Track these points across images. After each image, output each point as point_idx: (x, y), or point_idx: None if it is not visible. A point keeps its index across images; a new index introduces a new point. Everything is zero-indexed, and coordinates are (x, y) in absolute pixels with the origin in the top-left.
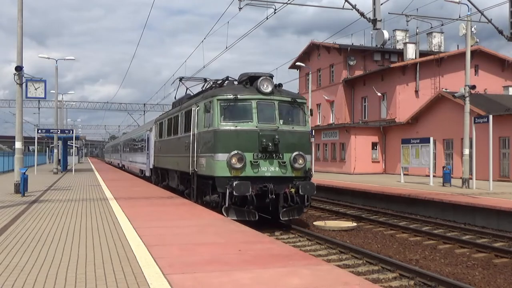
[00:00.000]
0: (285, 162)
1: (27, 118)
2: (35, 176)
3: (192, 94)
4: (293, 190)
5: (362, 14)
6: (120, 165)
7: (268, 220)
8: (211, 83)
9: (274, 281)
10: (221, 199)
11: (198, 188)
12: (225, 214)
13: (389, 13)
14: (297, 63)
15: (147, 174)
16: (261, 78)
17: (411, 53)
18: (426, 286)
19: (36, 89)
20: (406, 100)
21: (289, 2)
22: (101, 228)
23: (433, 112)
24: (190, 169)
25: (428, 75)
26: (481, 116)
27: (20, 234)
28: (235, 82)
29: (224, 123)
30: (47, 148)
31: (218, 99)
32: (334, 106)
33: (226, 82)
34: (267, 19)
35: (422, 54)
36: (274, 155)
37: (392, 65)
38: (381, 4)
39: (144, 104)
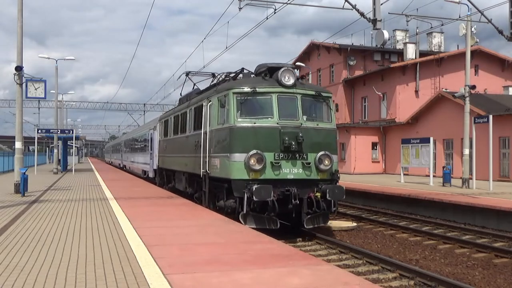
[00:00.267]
0: (309, 163)
1: (27, 118)
2: (35, 176)
3: (201, 89)
4: (318, 194)
5: (362, 14)
6: (121, 166)
7: (285, 227)
8: (223, 76)
9: (274, 281)
10: (238, 204)
11: (211, 192)
12: (242, 222)
13: (389, 13)
14: (297, 63)
15: (151, 175)
16: (282, 69)
17: (411, 53)
18: (426, 286)
19: (36, 89)
20: (406, 100)
21: (289, 2)
22: (101, 228)
23: (433, 112)
24: (201, 170)
25: (428, 75)
26: (481, 116)
27: (20, 234)
28: (252, 76)
29: (241, 119)
30: (47, 148)
31: (234, 93)
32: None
33: (240, 75)
34: (267, 19)
35: (422, 54)
36: (297, 155)
37: (392, 65)
38: (381, 4)
39: (144, 104)
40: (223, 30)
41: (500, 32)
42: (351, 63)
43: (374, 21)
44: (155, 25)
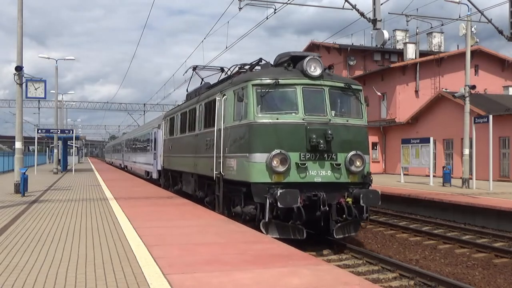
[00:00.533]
0: (339, 165)
1: (27, 118)
2: (35, 176)
3: (211, 84)
4: (349, 200)
5: (362, 14)
6: (122, 166)
7: (310, 235)
8: (237, 68)
9: (274, 281)
10: (258, 211)
11: (225, 196)
12: (264, 231)
13: (389, 13)
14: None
15: (154, 176)
16: (307, 58)
17: (411, 53)
18: (426, 286)
19: (36, 89)
20: (406, 100)
21: (289, 2)
22: (101, 228)
23: (433, 112)
24: (214, 172)
25: (428, 75)
26: (481, 116)
27: (20, 234)
28: (271, 67)
29: (261, 115)
30: (47, 148)
31: (253, 85)
32: None
33: (257, 66)
34: (267, 19)
35: (422, 54)
36: (325, 155)
37: (392, 65)
38: (381, 4)
39: (144, 104)
40: (223, 30)
41: (500, 32)
42: (351, 63)
43: (374, 21)
44: (155, 25)
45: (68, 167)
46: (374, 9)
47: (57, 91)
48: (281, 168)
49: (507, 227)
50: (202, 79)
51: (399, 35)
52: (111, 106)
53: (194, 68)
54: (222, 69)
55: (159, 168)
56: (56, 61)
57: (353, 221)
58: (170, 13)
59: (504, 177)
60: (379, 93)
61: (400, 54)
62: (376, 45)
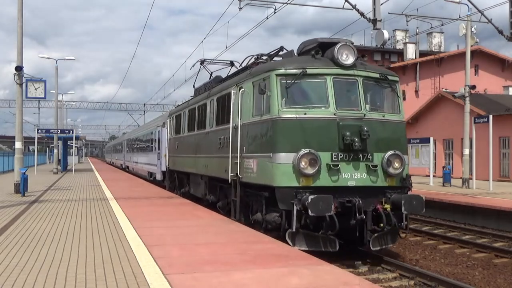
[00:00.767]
0: (376, 166)
1: (27, 118)
2: (35, 176)
3: (223, 77)
4: (388, 206)
5: (362, 14)
6: (124, 166)
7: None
8: (253, 59)
9: (274, 281)
10: (284, 220)
11: (242, 202)
12: (290, 242)
13: (389, 13)
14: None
15: (158, 177)
16: (339, 45)
17: (411, 53)
18: (426, 286)
19: (36, 89)
20: (406, 100)
21: (289, 2)
22: (101, 228)
23: (433, 112)
24: (230, 174)
25: (428, 75)
26: (481, 116)
27: (20, 234)
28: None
29: (287, 109)
30: (47, 148)
31: (277, 75)
32: None
33: (276, 57)
34: (267, 19)
35: (422, 54)
36: (360, 155)
37: (392, 65)
38: (381, 4)
39: (144, 104)
40: (223, 30)
41: (500, 32)
42: None
43: (374, 21)
44: (155, 25)
45: (68, 167)
46: (374, 9)
47: (57, 91)
48: (310, 170)
49: (507, 227)
50: (211, 73)
51: (399, 35)
52: (111, 106)
53: (202, 61)
54: (232, 63)
55: (164, 169)
56: (56, 61)
57: (391, 231)
58: (170, 13)
59: (504, 177)
60: None
61: (400, 54)
62: (376, 45)
